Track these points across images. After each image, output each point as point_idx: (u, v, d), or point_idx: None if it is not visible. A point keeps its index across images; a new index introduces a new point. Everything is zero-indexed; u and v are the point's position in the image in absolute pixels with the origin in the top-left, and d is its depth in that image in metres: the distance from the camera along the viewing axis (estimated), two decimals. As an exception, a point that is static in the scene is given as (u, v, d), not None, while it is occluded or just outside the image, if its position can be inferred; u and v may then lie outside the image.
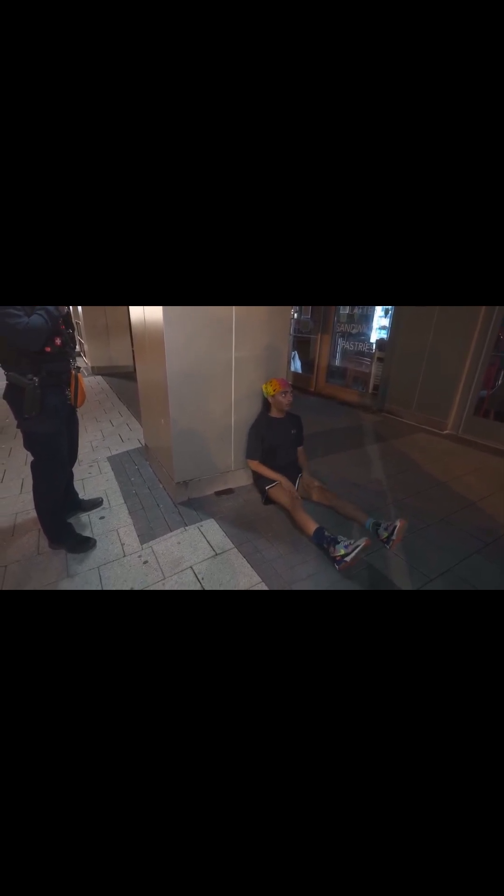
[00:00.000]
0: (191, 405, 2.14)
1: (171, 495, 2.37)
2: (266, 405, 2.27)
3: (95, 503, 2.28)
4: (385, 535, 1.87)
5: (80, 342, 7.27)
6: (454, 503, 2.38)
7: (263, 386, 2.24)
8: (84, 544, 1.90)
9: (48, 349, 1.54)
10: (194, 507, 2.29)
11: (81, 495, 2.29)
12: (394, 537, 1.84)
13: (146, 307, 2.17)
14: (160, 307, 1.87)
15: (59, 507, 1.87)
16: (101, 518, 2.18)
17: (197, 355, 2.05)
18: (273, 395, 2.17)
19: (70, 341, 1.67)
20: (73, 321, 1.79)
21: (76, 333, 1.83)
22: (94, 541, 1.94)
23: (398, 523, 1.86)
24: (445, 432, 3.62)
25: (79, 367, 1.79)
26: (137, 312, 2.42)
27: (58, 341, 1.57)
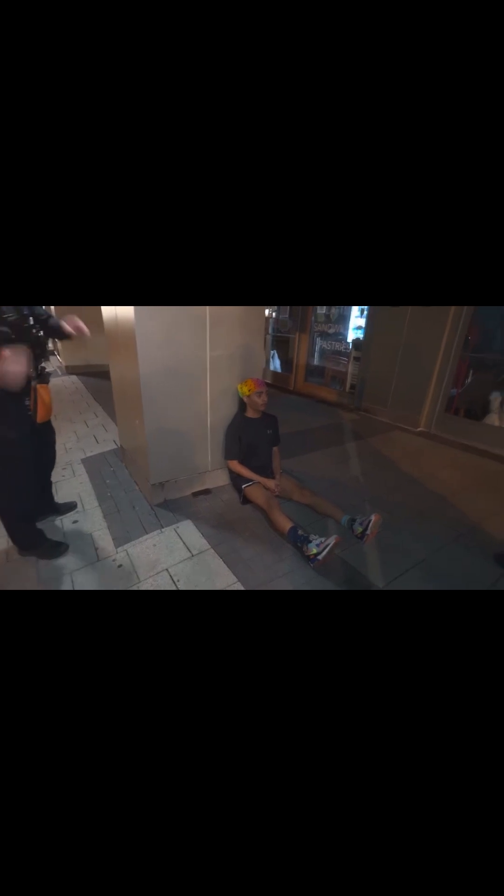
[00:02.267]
0: (165, 405, 2.11)
1: (147, 497, 2.34)
2: (242, 405, 2.27)
3: (69, 507, 2.22)
4: (360, 530, 1.91)
5: (53, 341, 7.03)
6: (427, 498, 2.46)
7: (239, 386, 2.23)
8: (55, 549, 1.85)
9: None
10: (171, 508, 2.26)
11: (55, 499, 2.22)
12: (368, 532, 1.88)
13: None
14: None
15: (25, 515, 1.79)
16: (75, 522, 2.12)
17: (171, 354, 2.02)
18: (248, 396, 2.17)
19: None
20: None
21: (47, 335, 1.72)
22: (67, 546, 1.89)
23: (372, 518, 1.90)
24: (418, 430, 3.73)
25: (44, 377, 1.66)
26: (109, 310, 2.36)
27: (5, 353, 1.46)
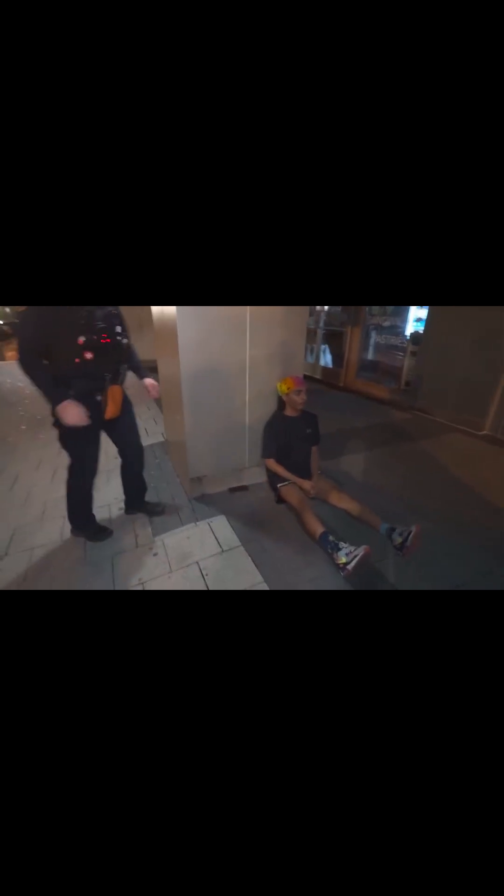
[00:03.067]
0: (205, 402, 2.16)
1: (186, 490, 2.43)
2: (281, 404, 2.24)
3: (157, 509, 2.24)
4: (399, 540, 1.79)
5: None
6: (480, 510, 2.21)
7: (278, 384, 2.21)
8: (102, 533, 2.02)
9: (77, 360, 1.54)
10: (207, 502, 2.33)
11: (105, 489, 2.38)
12: (408, 544, 1.75)
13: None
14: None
15: (83, 500, 1.96)
16: (121, 509, 2.29)
17: (211, 353, 2.06)
18: (287, 394, 2.13)
19: (108, 352, 1.62)
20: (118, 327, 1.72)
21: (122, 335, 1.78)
22: (111, 531, 2.05)
23: (413, 529, 1.77)
24: (482, 433, 3.36)
25: (116, 378, 1.71)
26: (156, 309, 2.47)
27: (88, 355, 1.55)
